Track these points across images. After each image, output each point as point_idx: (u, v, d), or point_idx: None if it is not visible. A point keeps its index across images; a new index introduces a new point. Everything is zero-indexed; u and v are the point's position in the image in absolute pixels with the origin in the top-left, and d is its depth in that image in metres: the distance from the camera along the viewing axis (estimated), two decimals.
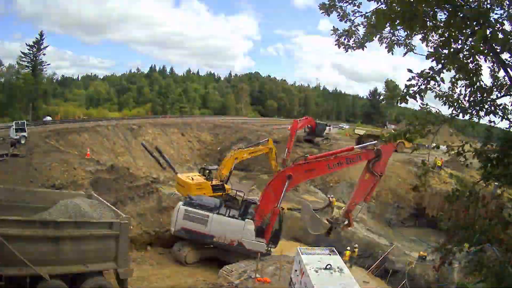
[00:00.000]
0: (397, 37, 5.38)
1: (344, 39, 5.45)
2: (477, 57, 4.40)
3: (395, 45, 5.40)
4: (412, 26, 4.42)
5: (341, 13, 5.22)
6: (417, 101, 4.36)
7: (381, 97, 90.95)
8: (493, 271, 4.71)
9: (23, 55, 53.02)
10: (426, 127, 4.56)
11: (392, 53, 5.44)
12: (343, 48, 5.50)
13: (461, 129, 5.10)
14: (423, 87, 4.28)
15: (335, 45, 5.51)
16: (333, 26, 5.51)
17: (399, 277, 18.05)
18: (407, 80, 4.30)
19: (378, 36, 5.30)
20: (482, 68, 4.53)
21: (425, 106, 4.69)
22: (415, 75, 4.24)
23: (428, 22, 4.39)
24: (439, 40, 4.60)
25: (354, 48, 5.48)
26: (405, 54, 5.42)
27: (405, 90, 4.28)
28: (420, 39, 5.04)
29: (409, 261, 18.72)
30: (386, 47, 5.43)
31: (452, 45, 4.28)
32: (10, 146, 20.79)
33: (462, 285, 14.66)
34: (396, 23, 4.43)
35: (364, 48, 5.44)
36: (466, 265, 16.07)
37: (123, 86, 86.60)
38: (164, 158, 32.08)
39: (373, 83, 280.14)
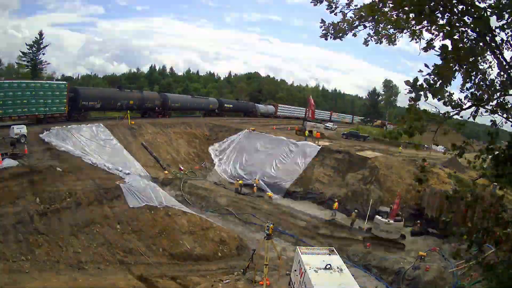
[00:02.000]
0: (388, 32, 5.21)
1: (331, 31, 5.29)
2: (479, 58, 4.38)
3: (384, 40, 5.24)
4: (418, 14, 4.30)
5: (333, 6, 5.07)
6: (437, 100, 4.35)
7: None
8: (493, 271, 4.69)
9: (22, 55, 52.97)
10: (425, 124, 4.53)
11: (392, 44, 5.28)
12: (324, 38, 5.31)
13: (459, 128, 5.06)
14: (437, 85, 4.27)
15: (321, 37, 5.34)
16: (321, 19, 5.27)
17: (399, 277, 18.05)
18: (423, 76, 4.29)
19: (373, 31, 5.16)
20: (483, 66, 4.52)
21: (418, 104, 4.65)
22: (430, 71, 4.23)
23: (435, 16, 4.33)
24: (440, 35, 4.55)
25: (333, 37, 5.30)
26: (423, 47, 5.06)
27: (424, 85, 4.25)
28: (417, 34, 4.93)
29: (409, 261, 18.74)
30: (375, 42, 5.30)
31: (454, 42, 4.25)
32: (10, 146, 20.77)
33: (461, 285, 14.65)
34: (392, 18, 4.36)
35: (343, 39, 5.30)
36: (465, 266, 16.14)
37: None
38: (152, 154, 32.13)
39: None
